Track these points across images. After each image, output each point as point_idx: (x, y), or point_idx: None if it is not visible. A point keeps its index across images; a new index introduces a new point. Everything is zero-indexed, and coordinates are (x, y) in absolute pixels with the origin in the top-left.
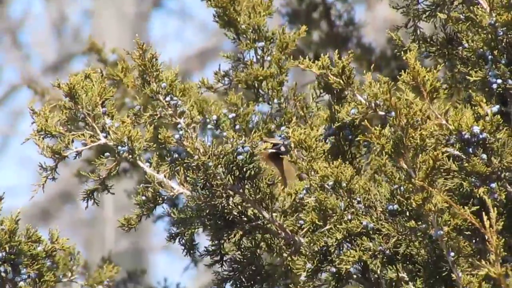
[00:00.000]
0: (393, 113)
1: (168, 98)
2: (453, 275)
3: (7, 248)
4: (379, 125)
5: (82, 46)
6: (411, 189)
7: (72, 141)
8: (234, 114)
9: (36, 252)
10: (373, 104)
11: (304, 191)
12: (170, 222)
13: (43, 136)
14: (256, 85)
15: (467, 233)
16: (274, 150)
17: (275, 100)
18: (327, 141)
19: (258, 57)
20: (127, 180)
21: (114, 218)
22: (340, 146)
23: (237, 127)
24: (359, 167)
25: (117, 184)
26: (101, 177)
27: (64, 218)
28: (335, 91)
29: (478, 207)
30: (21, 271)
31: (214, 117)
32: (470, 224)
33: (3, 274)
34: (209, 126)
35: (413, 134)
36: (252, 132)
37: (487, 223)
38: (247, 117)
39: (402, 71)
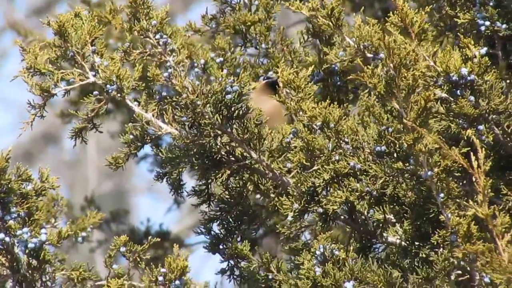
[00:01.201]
0: (381, 55)
1: (158, 36)
2: (440, 217)
3: None
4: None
5: None
6: (401, 130)
7: (61, 79)
8: (221, 59)
9: (26, 191)
10: (361, 46)
11: (291, 135)
12: (154, 162)
13: (32, 73)
14: (244, 30)
15: (456, 174)
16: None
17: (263, 45)
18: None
19: (246, 1)
20: (111, 121)
21: (97, 160)
22: (329, 92)
23: (225, 71)
24: (346, 112)
25: (100, 122)
26: (89, 115)
27: (47, 159)
28: (324, 37)
29: (467, 148)
30: (11, 209)
31: (202, 61)
32: (459, 165)
33: None
34: (196, 69)
35: (406, 74)
36: (241, 72)
37: (475, 164)
38: (235, 61)
39: (390, 12)
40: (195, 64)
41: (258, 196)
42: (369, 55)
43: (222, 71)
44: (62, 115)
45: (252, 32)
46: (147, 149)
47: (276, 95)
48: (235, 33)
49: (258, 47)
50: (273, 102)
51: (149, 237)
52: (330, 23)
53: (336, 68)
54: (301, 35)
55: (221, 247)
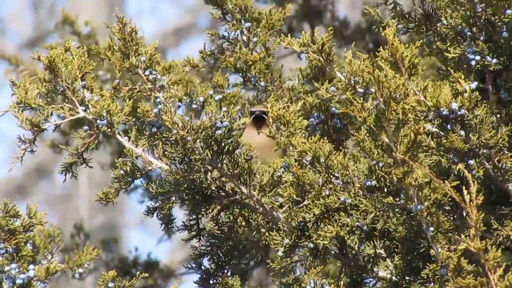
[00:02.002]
0: (372, 90)
1: (147, 72)
2: (431, 251)
3: None
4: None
5: (58, 23)
6: (391, 163)
7: (51, 114)
8: (220, 96)
9: (14, 227)
10: (352, 81)
11: (282, 169)
12: (145, 193)
13: (23, 108)
14: (245, 68)
15: (447, 208)
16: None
17: (262, 83)
18: (316, 129)
19: (244, 38)
20: (101, 151)
21: (89, 194)
22: (328, 134)
23: (224, 109)
24: (345, 152)
25: (90, 156)
26: (79, 150)
27: (39, 193)
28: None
29: (458, 182)
30: None
31: (201, 98)
32: (450, 199)
33: None
34: (194, 106)
35: (396, 108)
36: (231, 107)
37: (467, 198)
38: (234, 99)
39: (381, 47)
40: (194, 102)
41: (248, 231)
42: (360, 90)
43: (221, 108)
44: (53, 146)
45: (252, 71)
46: (138, 181)
47: (265, 128)
48: (235, 72)
49: (257, 84)
50: (263, 135)
51: (137, 273)
52: (321, 58)
53: (336, 111)
54: (300, 72)
55: (211, 282)
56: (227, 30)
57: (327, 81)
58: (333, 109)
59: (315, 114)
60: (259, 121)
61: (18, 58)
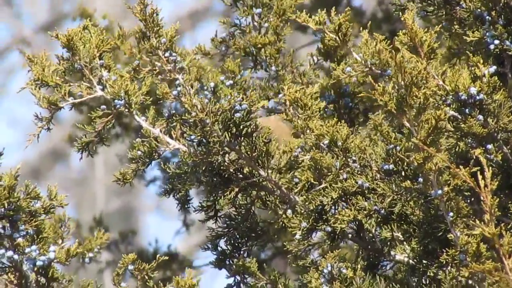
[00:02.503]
0: (389, 72)
1: (167, 54)
2: (448, 235)
3: (6, 204)
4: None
5: (73, 6)
6: (410, 148)
7: (69, 92)
8: (231, 81)
9: (35, 209)
10: (368, 63)
11: (299, 149)
12: (163, 181)
13: (40, 85)
14: (255, 52)
15: (466, 193)
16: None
17: (273, 67)
18: (326, 110)
19: (255, 23)
20: (119, 145)
21: (105, 178)
22: (340, 114)
23: (236, 94)
24: (355, 133)
25: (108, 148)
26: (96, 129)
27: (55, 177)
28: (335, 59)
29: (478, 168)
30: (20, 227)
31: (212, 84)
32: (468, 184)
33: (1, 231)
34: (206, 92)
35: (417, 93)
36: (250, 90)
37: (482, 183)
38: (245, 84)
39: (400, 31)
40: (205, 87)
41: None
42: (376, 71)
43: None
44: (70, 140)
45: (262, 55)
46: (157, 172)
47: (283, 113)
48: (245, 55)
49: (268, 69)
50: (272, 120)
51: (157, 256)
52: (337, 38)
53: (348, 89)
54: (311, 56)
55: (227, 263)
56: (238, 18)
57: (341, 61)
58: (345, 88)
59: (326, 93)
60: None
61: (34, 51)
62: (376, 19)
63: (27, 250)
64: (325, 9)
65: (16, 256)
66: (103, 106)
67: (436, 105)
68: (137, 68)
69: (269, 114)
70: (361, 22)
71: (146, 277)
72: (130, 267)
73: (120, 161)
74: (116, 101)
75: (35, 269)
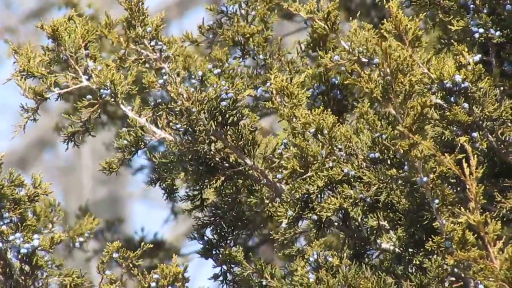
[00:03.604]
0: (376, 60)
1: (153, 43)
2: (434, 223)
3: None
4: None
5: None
6: (396, 136)
7: (55, 82)
8: (219, 70)
9: (19, 197)
10: (356, 51)
11: (283, 146)
12: (150, 169)
13: (25, 76)
14: (243, 41)
15: (452, 181)
16: None
17: (261, 56)
18: (316, 101)
19: (243, 11)
20: (105, 133)
21: (92, 166)
22: (329, 106)
23: (223, 82)
24: (342, 122)
25: (95, 137)
26: (82, 119)
27: (42, 166)
28: (325, 51)
29: (463, 155)
30: (4, 215)
31: (200, 72)
32: (454, 172)
33: None
34: (193, 81)
35: (403, 80)
36: (236, 79)
37: (467, 171)
38: (232, 72)
39: (384, 19)
40: (193, 76)
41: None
42: (364, 59)
43: (220, 81)
44: (57, 129)
45: (250, 44)
46: (144, 161)
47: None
48: (233, 45)
49: (256, 58)
50: None
51: (142, 243)
52: (326, 26)
53: (336, 81)
54: (299, 44)
55: (214, 252)
56: (225, 4)
57: (330, 50)
58: (334, 79)
59: (315, 85)
60: None
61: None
62: (365, 5)
63: (11, 237)
64: None
65: (0, 244)
66: (89, 96)
67: (422, 93)
68: (123, 57)
69: (257, 102)
70: (349, 8)
71: (131, 265)
72: (115, 255)
73: (106, 149)
74: (102, 90)
75: (19, 256)
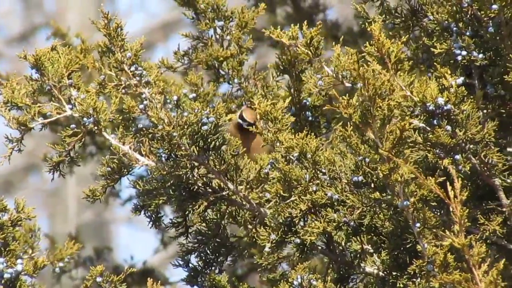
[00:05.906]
0: (359, 84)
1: (133, 68)
2: (418, 247)
3: None
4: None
5: (46, 18)
6: (377, 160)
7: (38, 112)
8: (194, 94)
9: (2, 221)
10: (340, 76)
11: (269, 166)
12: (136, 195)
13: (10, 107)
14: (217, 65)
15: (433, 204)
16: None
17: (235, 80)
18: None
19: (218, 36)
20: (94, 163)
21: (77, 190)
22: (301, 127)
23: (202, 107)
24: (319, 146)
25: (83, 167)
26: (66, 149)
27: (27, 189)
28: (294, 74)
29: (444, 177)
30: None
31: (175, 97)
32: (436, 195)
33: None
34: (169, 105)
35: (381, 104)
36: (217, 103)
37: (451, 194)
38: (208, 97)
39: (367, 42)
40: (168, 101)
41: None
42: (347, 84)
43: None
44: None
45: (224, 68)
46: (132, 191)
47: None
48: (207, 69)
49: (230, 82)
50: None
51: (126, 267)
52: (309, 52)
53: (308, 103)
54: (273, 69)
55: (199, 279)
56: (199, 30)
57: (300, 76)
58: (305, 101)
59: (287, 107)
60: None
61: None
62: (352, 33)
63: None
64: (298, 24)
65: None
66: (73, 125)
67: (403, 116)
68: (103, 83)
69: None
70: (336, 36)
71: None
72: (99, 279)
73: (94, 179)
74: (85, 119)
75: (3, 281)
